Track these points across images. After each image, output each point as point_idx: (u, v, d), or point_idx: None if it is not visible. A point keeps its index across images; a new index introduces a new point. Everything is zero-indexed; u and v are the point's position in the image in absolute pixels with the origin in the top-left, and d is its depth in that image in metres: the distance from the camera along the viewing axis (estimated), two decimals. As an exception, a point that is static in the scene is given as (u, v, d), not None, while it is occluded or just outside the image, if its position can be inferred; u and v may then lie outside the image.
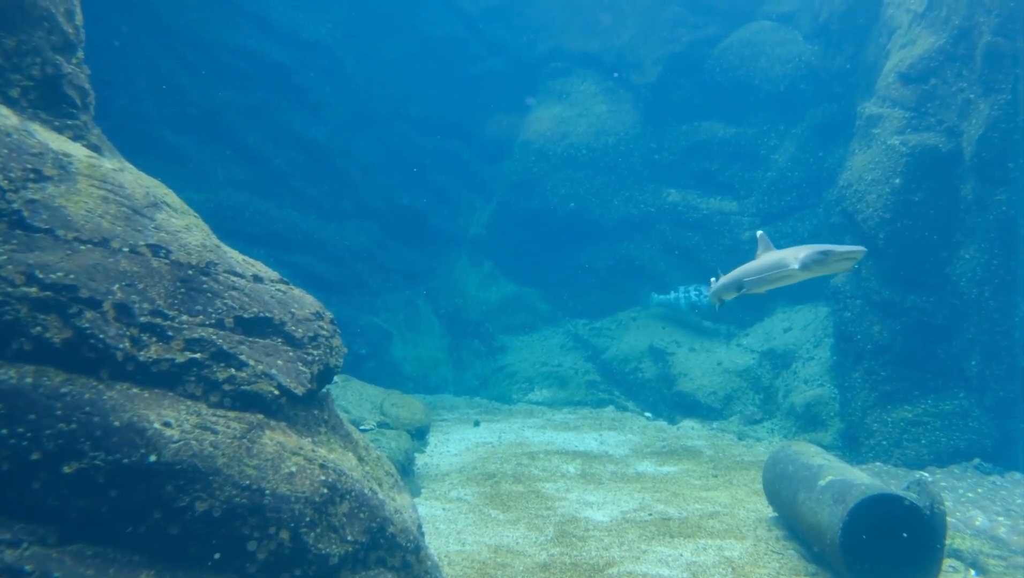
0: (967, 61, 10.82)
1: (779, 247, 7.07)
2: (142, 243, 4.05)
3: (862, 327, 11.42)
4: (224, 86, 15.96)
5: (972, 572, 6.88)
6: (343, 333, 4.80)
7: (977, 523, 7.81)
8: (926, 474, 9.69)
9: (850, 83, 14.32)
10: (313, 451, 4.11)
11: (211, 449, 3.66)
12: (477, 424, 13.07)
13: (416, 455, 10.37)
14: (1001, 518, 7.98)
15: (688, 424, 13.27)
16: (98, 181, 4.15)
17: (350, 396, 10.68)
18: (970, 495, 8.99)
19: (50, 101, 4.61)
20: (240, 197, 15.65)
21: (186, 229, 4.40)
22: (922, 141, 11.02)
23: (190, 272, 4.13)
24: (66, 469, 3.38)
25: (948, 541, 6.84)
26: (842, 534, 6.14)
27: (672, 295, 15.52)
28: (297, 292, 4.65)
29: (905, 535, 6.19)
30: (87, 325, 3.62)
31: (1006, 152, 10.25)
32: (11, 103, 4.42)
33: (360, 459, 4.63)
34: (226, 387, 3.92)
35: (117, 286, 3.78)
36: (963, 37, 10.91)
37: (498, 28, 18.73)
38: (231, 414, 3.88)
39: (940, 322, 10.88)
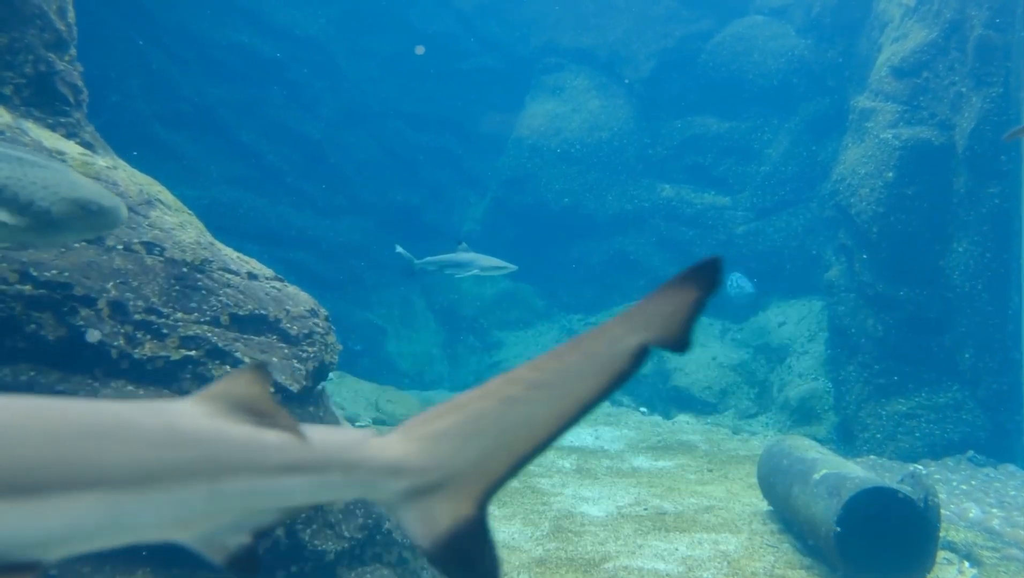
0: (959, 55, 10.85)
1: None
2: (136, 241, 4.04)
3: (856, 321, 11.45)
4: (217, 83, 15.92)
5: (966, 564, 6.91)
6: (338, 329, 4.80)
7: (971, 515, 7.84)
8: (920, 467, 9.73)
9: (843, 77, 14.34)
10: (309, 448, 4.10)
11: (207, 446, 3.65)
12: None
13: (412, 451, 10.36)
14: (995, 510, 8.02)
15: (683, 419, 13.29)
16: (92, 179, 4.13)
17: (345, 393, 10.69)
18: (964, 487, 9.03)
19: (43, 99, 4.59)
20: (234, 194, 15.61)
21: (180, 226, 4.39)
22: (915, 135, 11.05)
23: (184, 269, 4.12)
24: (62, 467, 3.37)
25: (942, 533, 6.86)
26: (837, 527, 6.17)
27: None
28: (292, 289, 4.65)
29: (899, 528, 6.21)
30: (82, 323, 3.61)
31: (998, 145, 10.28)
32: (4, 101, 4.41)
33: (356, 455, 4.63)
34: (221, 384, 3.91)
35: (111, 284, 3.77)
36: (955, 30, 10.94)
37: (491, 24, 18.72)
38: (227, 411, 3.87)
39: (933, 315, 10.92)
